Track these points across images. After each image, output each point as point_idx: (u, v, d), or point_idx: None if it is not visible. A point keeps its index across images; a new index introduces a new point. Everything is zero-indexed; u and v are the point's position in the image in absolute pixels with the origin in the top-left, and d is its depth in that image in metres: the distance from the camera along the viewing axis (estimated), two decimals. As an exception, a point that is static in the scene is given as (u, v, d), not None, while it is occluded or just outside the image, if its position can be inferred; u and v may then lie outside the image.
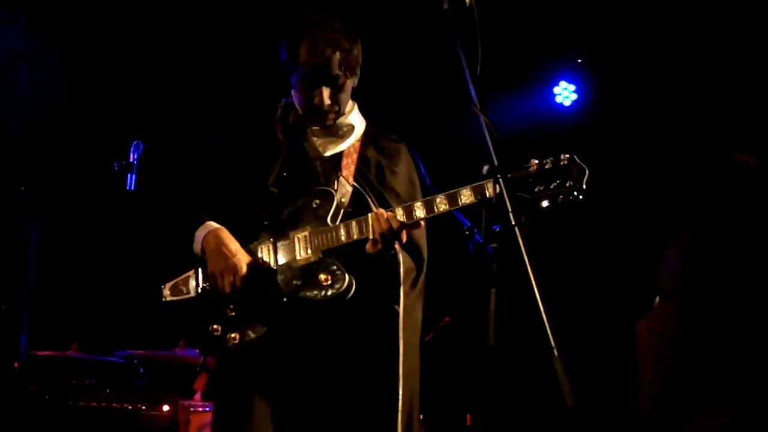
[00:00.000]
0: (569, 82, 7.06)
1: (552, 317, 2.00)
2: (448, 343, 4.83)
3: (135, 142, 4.69)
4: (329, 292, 2.86)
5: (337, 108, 3.04)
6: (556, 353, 1.95)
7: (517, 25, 6.24)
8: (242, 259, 2.92)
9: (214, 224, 3.00)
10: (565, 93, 7.07)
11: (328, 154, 3.09)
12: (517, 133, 6.43)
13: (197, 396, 4.98)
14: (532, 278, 2.04)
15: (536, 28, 6.55)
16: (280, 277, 2.94)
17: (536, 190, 2.61)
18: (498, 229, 2.22)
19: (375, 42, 3.24)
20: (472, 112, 2.31)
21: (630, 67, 6.62)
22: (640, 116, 6.57)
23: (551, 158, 2.63)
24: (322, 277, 2.88)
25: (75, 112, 6.47)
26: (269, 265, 2.95)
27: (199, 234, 2.98)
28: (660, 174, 6.34)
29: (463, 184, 2.91)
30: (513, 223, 2.15)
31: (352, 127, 3.12)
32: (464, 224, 3.29)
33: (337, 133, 3.10)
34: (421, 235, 3.03)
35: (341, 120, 3.10)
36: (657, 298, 1.70)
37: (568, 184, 2.58)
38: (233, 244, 2.94)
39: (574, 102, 7.07)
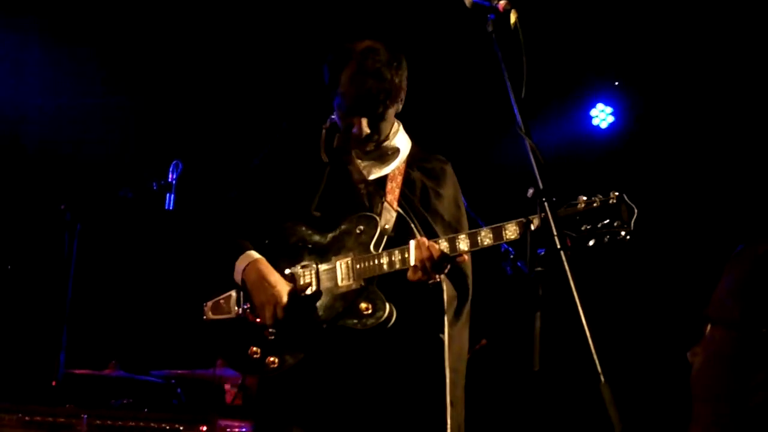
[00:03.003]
0: (606, 104, 7.02)
1: (598, 342, 1.97)
2: (485, 366, 4.80)
3: (174, 162, 4.73)
4: (369, 322, 2.85)
5: (376, 136, 3.03)
6: (602, 379, 1.92)
7: (554, 47, 6.22)
8: (282, 290, 2.91)
9: (254, 254, 2.99)
10: (602, 116, 7.03)
11: (372, 177, 3.06)
12: (553, 156, 6.40)
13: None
14: (578, 303, 2.02)
15: (573, 50, 6.53)
16: (321, 303, 2.92)
17: (583, 228, 2.58)
18: (543, 253, 2.20)
19: (419, 63, 3.23)
20: (511, 133, 2.30)
21: (667, 89, 6.57)
22: (679, 138, 6.51)
23: (600, 196, 2.60)
24: (363, 305, 2.86)
25: (115, 132, 6.53)
26: (310, 292, 2.95)
27: (240, 265, 2.98)
28: (703, 197, 6.27)
29: (501, 205, 2.89)
30: (558, 247, 2.14)
31: (397, 150, 3.10)
32: (501, 246, 3.28)
33: (382, 156, 3.08)
34: (466, 263, 2.99)
35: (386, 143, 3.08)
36: (708, 327, 1.67)
37: (615, 224, 2.55)
38: (273, 276, 2.93)
39: (611, 125, 7.02)
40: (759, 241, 1.59)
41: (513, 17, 2.38)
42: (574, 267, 2.08)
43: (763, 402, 1.49)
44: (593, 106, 7.04)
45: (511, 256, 3.20)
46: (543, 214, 2.20)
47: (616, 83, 6.95)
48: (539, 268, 2.19)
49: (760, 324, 1.50)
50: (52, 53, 6.47)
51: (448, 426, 2.83)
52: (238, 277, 2.98)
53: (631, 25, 6.40)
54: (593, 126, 7.05)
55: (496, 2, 2.42)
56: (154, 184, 4.69)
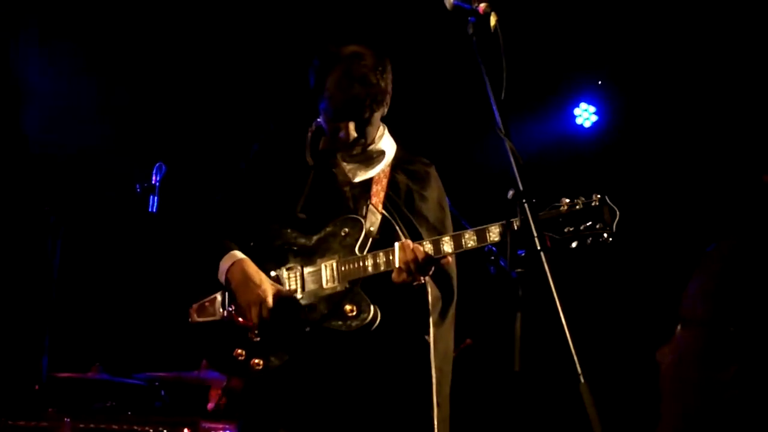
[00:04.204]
0: (589, 103, 7.04)
1: (578, 343, 1.98)
2: (470, 366, 4.81)
3: (157, 164, 4.71)
4: (354, 324, 2.86)
5: (363, 140, 3.05)
6: (582, 379, 1.93)
7: (536, 47, 6.24)
8: (267, 290, 2.92)
9: (238, 254, 3.00)
10: (585, 115, 7.04)
11: (357, 180, 3.08)
12: (537, 155, 6.42)
13: (210, 407, 4.94)
14: (557, 303, 2.03)
15: (556, 50, 6.55)
16: (305, 306, 2.94)
17: (566, 230, 2.61)
18: (523, 254, 2.21)
19: (400, 65, 3.25)
20: (494, 134, 2.31)
21: (650, 88, 6.59)
22: (661, 138, 6.54)
23: (582, 198, 2.62)
24: (348, 307, 2.88)
25: (98, 134, 6.50)
26: (295, 293, 2.95)
27: (224, 265, 2.99)
28: (682, 197, 6.30)
29: (484, 206, 2.90)
30: (538, 248, 2.15)
31: (382, 153, 3.11)
32: (485, 247, 3.29)
33: (368, 159, 3.09)
34: (450, 265, 3.01)
35: (372, 147, 3.09)
36: (678, 327, 1.68)
37: (598, 226, 2.58)
38: (257, 276, 2.94)
39: (595, 124, 7.04)
40: (727, 242, 1.60)
41: (493, 20, 2.39)
42: (554, 267, 2.09)
43: (735, 397, 1.51)
44: (576, 105, 7.05)
45: (492, 258, 3.21)
46: (522, 216, 2.21)
47: (599, 82, 6.97)
48: (520, 269, 2.19)
49: (729, 322, 1.52)
50: (38, 57, 6.44)
51: (435, 426, 2.85)
52: (222, 277, 2.99)
53: (613, 23, 6.42)
54: (577, 125, 7.07)
55: (476, 5, 2.43)
56: (138, 186, 4.66)
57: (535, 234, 2.15)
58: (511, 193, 2.24)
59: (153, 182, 4.64)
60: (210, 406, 4.93)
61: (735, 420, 1.52)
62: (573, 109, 7.06)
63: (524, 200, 2.19)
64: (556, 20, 6.39)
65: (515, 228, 2.57)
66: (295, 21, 6.24)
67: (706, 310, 1.56)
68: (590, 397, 1.90)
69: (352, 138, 3.00)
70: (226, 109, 6.49)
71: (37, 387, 4.63)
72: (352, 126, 2.99)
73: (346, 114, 2.98)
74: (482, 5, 2.43)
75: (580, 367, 1.94)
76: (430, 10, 2.66)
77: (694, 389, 1.55)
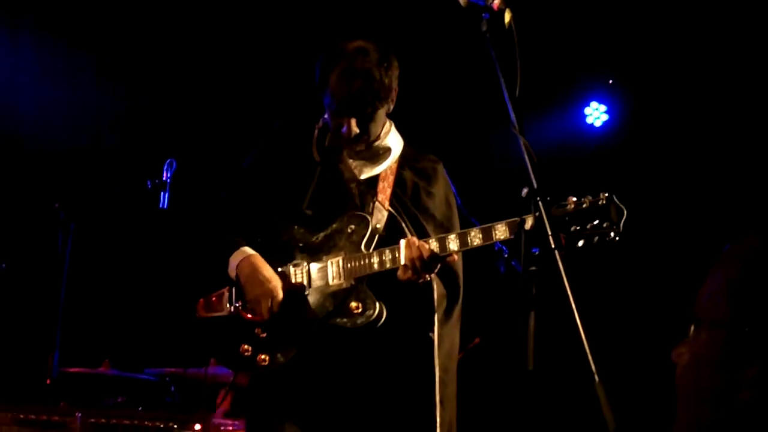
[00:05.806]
0: (600, 102, 7.03)
1: (592, 341, 1.98)
2: (479, 365, 4.81)
3: (168, 161, 4.72)
4: (359, 320, 2.86)
5: (366, 137, 3.03)
6: (597, 378, 1.93)
7: (547, 46, 6.23)
8: (277, 285, 2.93)
9: (248, 250, 3.00)
10: (596, 114, 7.03)
11: (364, 176, 3.07)
12: (547, 154, 6.41)
13: (218, 412, 4.95)
14: (572, 302, 2.03)
15: (567, 49, 6.54)
16: (312, 302, 2.94)
17: (572, 229, 2.59)
18: (537, 252, 2.21)
19: (414, 62, 3.24)
20: (503, 132, 2.30)
21: (661, 87, 6.58)
22: (671, 137, 6.53)
23: (590, 197, 2.61)
24: (353, 304, 2.88)
25: (109, 130, 6.52)
26: (303, 289, 2.96)
27: (233, 260, 2.99)
28: (693, 196, 6.28)
29: (493, 204, 2.90)
30: (552, 246, 2.14)
31: (388, 149, 3.10)
32: (495, 245, 3.29)
33: (374, 155, 3.08)
34: (456, 263, 3.00)
35: (378, 143, 3.08)
36: (692, 326, 1.67)
37: (605, 225, 2.56)
38: (267, 271, 2.95)
39: (605, 123, 7.03)
40: (748, 240, 1.58)
41: (507, 17, 2.38)
42: (569, 266, 2.08)
43: (752, 399, 1.49)
44: (587, 104, 7.04)
45: (505, 255, 3.19)
46: (537, 214, 2.20)
47: (610, 81, 6.96)
48: (533, 268, 2.19)
49: (747, 323, 1.50)
50: (48, 51, 6.46)
51: (438, 424, 2.84)
52: (232, 273, 3.00)
53: (624, 23, 6.41)
54: (587, 124, 7.06)
55: (490, 2, 2.42)
56: (149, 182, 4.67)
57: (550, 232, 2.15)
58: (525, 191, 2.24)
59: (164, 178, 4.65)
60: (218, 402, 4.93)
61: (754, 423, 1.51)
62: (584, 108, 7.05)
63: (539, 198, 2.18)
64: (568, 19, 6.37)
65: (528, 227, 2.57)
66: (306, 17, 6.24)
67: (725, 311, 1.54)
68: (605, 396, 1.89)
69: (354, 134, 2.98)
70: (237, 106, 6.50)
71: (48, 382, 4.64)
72: (353, 122, 2.97)
73: (347, 109, 2.96)
74: (496, 2, 2.41)
75: (595, 366, 1.93)
76: (445, 6, 2.65)
77: (712, 391, 1.54)
